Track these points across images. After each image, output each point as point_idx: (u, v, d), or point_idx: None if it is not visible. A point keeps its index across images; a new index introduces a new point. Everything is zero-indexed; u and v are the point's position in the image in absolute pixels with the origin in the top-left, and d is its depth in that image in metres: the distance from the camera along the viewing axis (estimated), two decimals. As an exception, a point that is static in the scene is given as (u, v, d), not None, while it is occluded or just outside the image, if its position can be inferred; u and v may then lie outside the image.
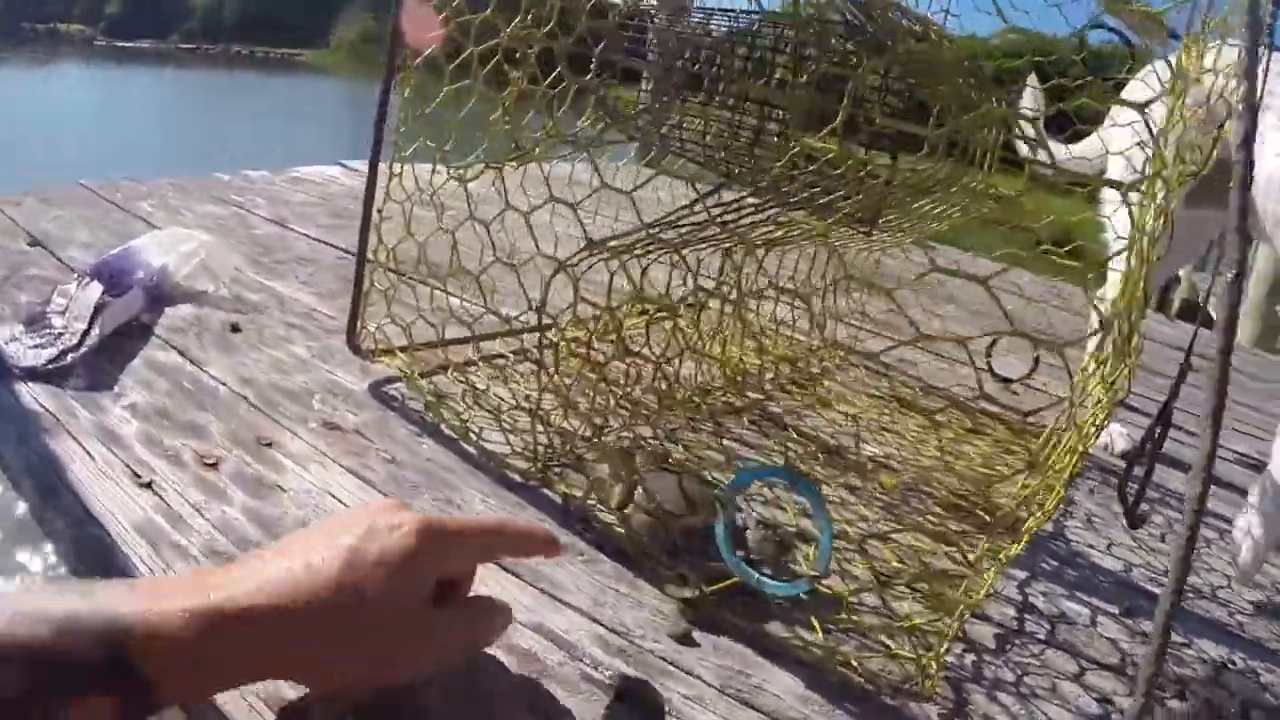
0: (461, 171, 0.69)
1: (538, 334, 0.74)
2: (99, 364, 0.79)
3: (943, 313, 1.52)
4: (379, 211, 0.80)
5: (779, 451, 0.91)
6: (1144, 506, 0.90)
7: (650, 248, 0.68)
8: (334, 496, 0.69)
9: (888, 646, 0.62)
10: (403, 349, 0.89)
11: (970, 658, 0.66)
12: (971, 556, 0.77)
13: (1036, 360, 1.15)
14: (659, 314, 0.77)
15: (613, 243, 0.60)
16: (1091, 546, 0.89)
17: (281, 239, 1.23)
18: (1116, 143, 1.05)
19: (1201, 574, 0.86)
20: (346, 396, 0.84)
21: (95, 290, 0.82)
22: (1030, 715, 0.62)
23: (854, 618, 0.65)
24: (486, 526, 0.51)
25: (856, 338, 1.29)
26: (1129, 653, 0.70)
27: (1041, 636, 0.71)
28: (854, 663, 0.60)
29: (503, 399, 0.86)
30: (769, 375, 1.10)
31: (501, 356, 0.94)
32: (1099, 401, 0.69)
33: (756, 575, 0.57)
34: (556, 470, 0.77)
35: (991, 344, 1.18)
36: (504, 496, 0.73)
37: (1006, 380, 1.28)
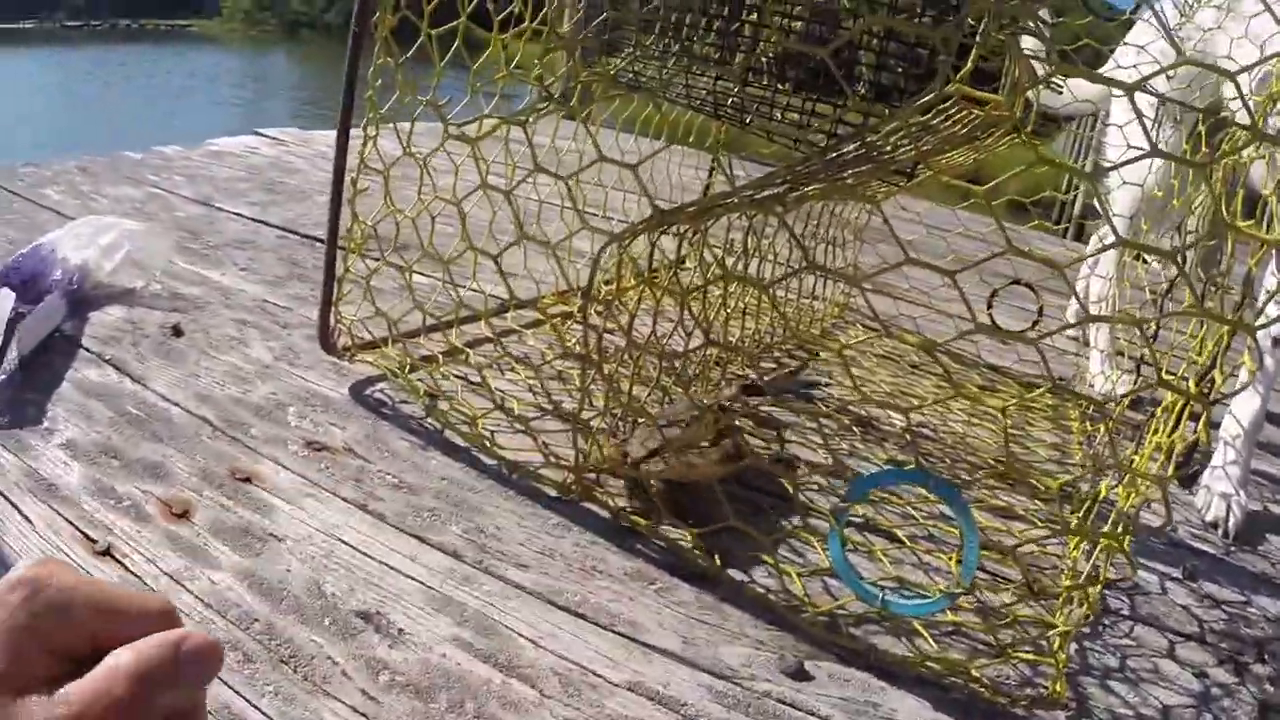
0: (471, 127, 0.57)
1: (568, 321, 0.63)
2: (20, 393, 0.63)
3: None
4: (353, 183, 0.67)
5: (814, 429, 0.84)
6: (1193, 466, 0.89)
7: (719, 214, 0.58)
8: (344, 543, 0.57)
9: (1005, 650, 0.55)
10: (384, 341, 0.77)
11: (1073, 646, 0.61)
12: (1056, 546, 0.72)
13: (1040, 310, 1.13)
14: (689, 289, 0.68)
15: (690, 210, 0.50)
16: (1133, 508, 0.85)
17: (210, 220, 1.06)
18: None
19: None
20: (326, 406, 0.71)
21: (6, 300, 0.65)
22: (1144, 701, 0.58)
23: (956, 618, 0.59)
24: None
25: (849, 294, 1.23)
26: (1203, 619, 0.68)
27: (1126, 612, 0.68)
28: (974, 672, 0.53)
29: (506, 394, 0.75)
30: (774, 341, 1.03)
31: (491, 341, 0.82)
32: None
33: (881, 596, 0.49)
34: (590, 476, 0.67)
35: (992, 294, 1.14)
36: (543, 518, 0.62)
37: (1010, 333, 1.24)
